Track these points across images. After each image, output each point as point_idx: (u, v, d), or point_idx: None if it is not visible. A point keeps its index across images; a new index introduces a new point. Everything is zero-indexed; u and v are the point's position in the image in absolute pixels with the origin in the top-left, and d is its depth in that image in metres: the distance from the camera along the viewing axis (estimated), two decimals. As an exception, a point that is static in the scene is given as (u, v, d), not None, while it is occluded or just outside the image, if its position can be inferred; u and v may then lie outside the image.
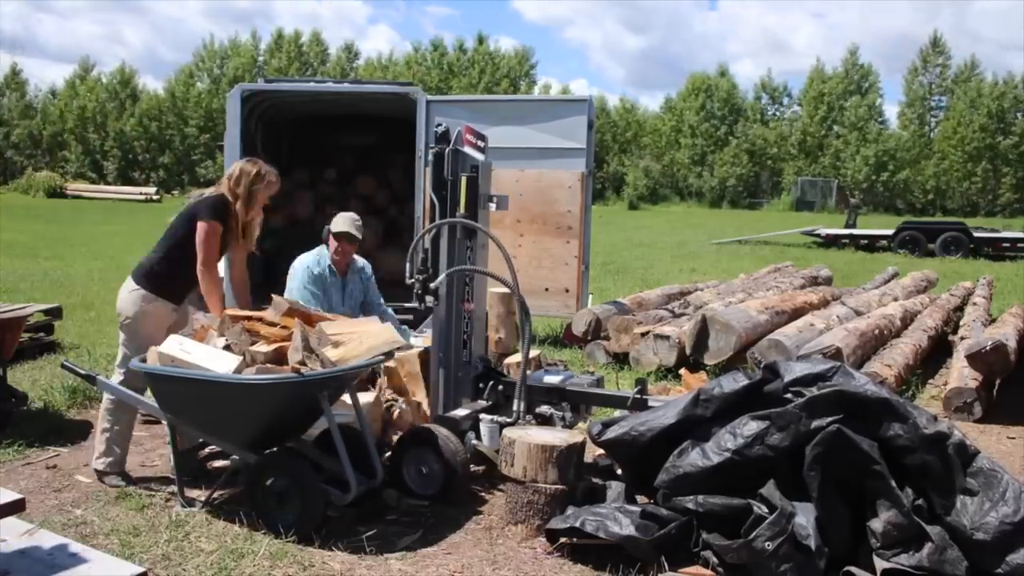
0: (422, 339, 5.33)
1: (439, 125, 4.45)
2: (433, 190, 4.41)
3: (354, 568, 3.32)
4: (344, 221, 5.13)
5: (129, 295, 4.13)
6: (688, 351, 6.78)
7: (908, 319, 8.11)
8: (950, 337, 8.10)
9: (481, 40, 58.78)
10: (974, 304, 9.09)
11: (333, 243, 5.14)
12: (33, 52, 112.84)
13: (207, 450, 4.43)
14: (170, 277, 4.14)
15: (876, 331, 6.99)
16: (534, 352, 5.93)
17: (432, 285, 4.22)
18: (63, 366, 4.18)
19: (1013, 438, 5.46)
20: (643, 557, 3.28)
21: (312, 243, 5.42)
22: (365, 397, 4.34)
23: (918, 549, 3.02)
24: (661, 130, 57.08)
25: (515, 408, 4.18)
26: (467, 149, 4.35)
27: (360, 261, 5.40)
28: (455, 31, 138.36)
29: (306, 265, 5.14)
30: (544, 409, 4.35)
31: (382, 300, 5.49)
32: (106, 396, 4.18)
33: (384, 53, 60.83)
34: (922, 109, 54.09)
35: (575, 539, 3.41)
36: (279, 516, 3.55)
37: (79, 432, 4.94)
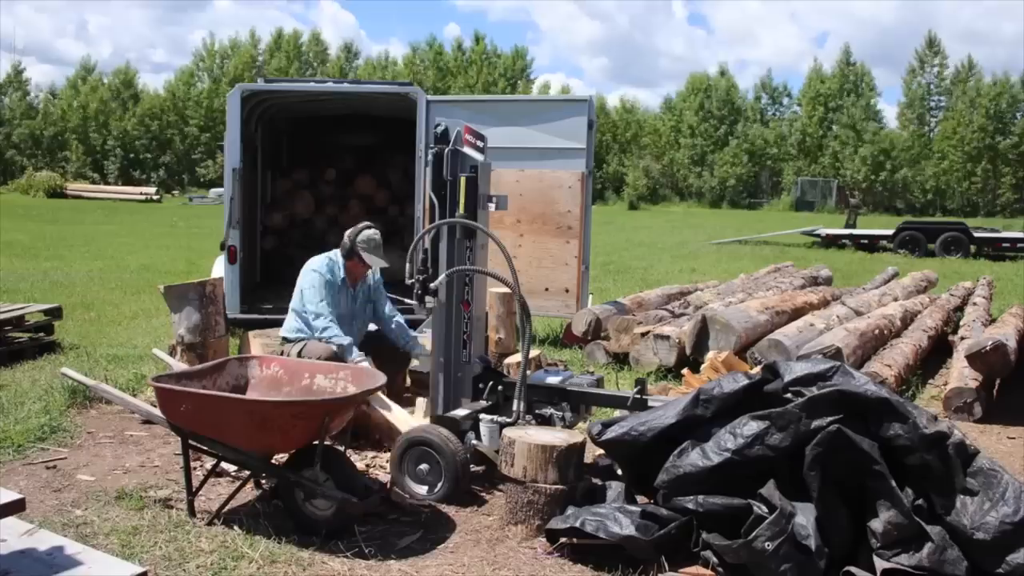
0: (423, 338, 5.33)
1: (438, 125, 4.45)
2: (433, 190, 4.41)
3: (354, 568, 3.32)
4: (375, 254, 5.02)
5: None
6: (688, 351, 6.78)
7: (908, 319, 8.11)
8: (950, 337, 8.10)
9: (478, 40, 58.90)
10: (974, 304, 9.09)
11: (356, 262, 5.07)
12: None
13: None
14: None
15: (876, 331, 6.99)
16: (534, 352, 5.93)
17: (432, 285, 4.22)
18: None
19: (1013, 438, 5.46)
20: (643, 557, 3.28)
21: (312, 243, 5.41)
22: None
23: (918, 549, 3.01)
24: (661, 130, 57.13)
25: (515, 408, 4.18)
26: (466, 149, 4.35)
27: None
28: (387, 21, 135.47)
29: (319, 269, 5.04)
30: (544, 409, 4.35)
31: (389, 307, 5.39)
32: None
33: (377, 51, 60.72)
34: (921, 109, 54.11)
35: (575, 539, 3.41)
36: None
37: (79, 432, 4.94)
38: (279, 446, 3.74)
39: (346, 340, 4.89)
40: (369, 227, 5.12)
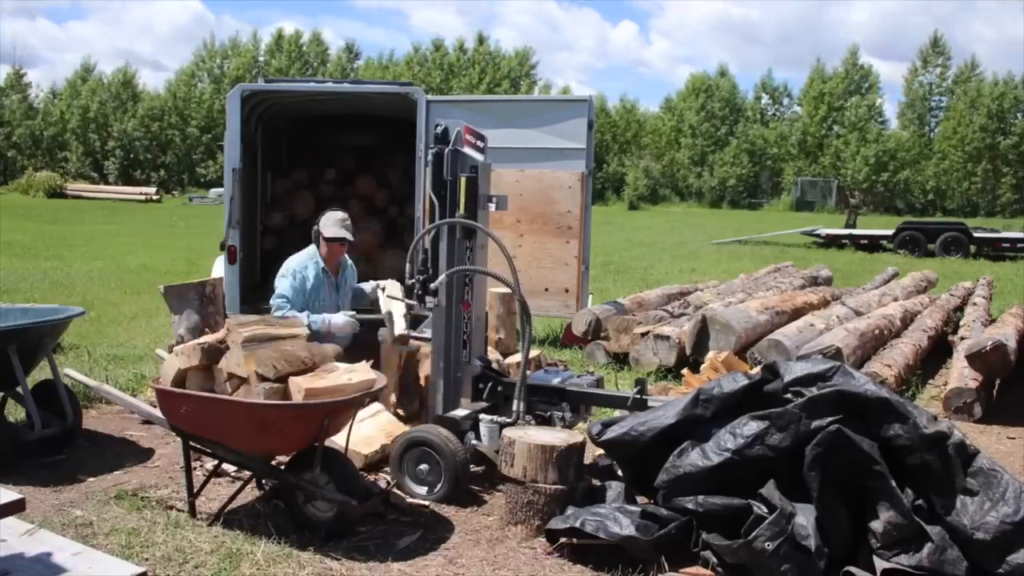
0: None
1: (438, 125, 4.45)
2: (433, 190, 4.41)
3: (354, 568, 3.32)
4: (335, 226, 5.11)
5: None
6: (688, 351, 6.78)
7: (908, 319, 8.11)
8: (950, 337, 8.09)
9: (481, 40, 58.86)
10: (974, 304, 9.09)
11: (324, 245, 5.15)
12: None
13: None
14: None
15: (876, 331, 6.99)
16: (534, 352, 5.93)
17: (432, 285, 4.22)
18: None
19: (1013, 438, 5.46)
20: (643, 557, 3.28)
21: (311, 243, 5.42)
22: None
23: (918, 549, 3.02)
24: (661, 130, 57.07)
25: (515, 408, 4.18)
26: (466, 149, 4.35)
27: (347, 260, 5.40)
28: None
29: (296, 268, 5.11)
30: (544, 410, 4.35)
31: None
32: None
33: (386, 53, 60.67)
34: (922, 109, 54.04)
35: (575, 539, 3.41)
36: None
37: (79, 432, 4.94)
38: (279, 448, 3.74)
39: (301, 314, 4.84)
40: (329, 211, 5.26)
